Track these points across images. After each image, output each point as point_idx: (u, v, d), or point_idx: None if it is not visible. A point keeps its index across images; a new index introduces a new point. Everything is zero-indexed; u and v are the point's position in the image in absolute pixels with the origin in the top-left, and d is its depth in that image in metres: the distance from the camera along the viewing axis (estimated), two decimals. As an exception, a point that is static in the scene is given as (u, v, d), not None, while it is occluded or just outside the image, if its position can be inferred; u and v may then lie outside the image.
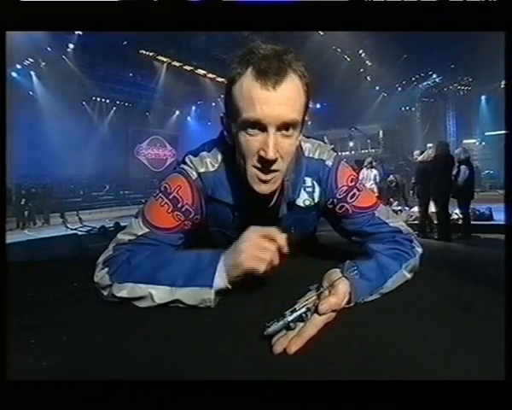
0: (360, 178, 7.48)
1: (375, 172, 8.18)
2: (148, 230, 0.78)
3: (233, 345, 0.55)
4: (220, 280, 0.68)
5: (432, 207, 5.56)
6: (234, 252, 0.69)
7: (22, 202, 10.32)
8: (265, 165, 0.71)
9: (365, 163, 8.32)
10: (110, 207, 14.43)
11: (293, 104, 0.70)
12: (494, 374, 0.45)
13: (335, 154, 0.90)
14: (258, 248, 0.68)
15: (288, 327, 0.55)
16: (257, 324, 0.56)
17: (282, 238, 0.69)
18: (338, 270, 0.67)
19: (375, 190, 7.64)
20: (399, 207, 7.92)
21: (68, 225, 8.08)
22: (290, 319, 0.55)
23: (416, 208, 6.12)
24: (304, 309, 0.57)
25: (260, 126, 0.69)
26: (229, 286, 0.68)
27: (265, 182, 0.74)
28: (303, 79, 0.71)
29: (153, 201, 0.81)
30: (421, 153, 6.23)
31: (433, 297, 0.73)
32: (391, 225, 0.85)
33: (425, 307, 0.67)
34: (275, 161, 0.70)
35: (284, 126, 0.70)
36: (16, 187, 10.65)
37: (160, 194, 0.81)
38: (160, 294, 0.68)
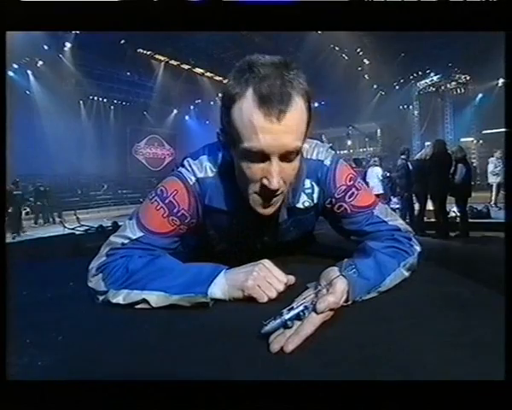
0: (368, 176, 7.58)
1: (376, 169, 8.18)
2: (142, 233, 0.77)
3: (230, 343, 0.54)
4: (217, 291, 0.68)
5: (429, 206, 5.60)
6: (241, 274, 0.70)
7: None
8: (269, 193, 0.71)
9: (371, 162, 8.34)
10: (108, 206, 14.41)
11: (296, 131, 0.68)
12: (494, 374, 0.45)
13: (333, 153, 0.89)
14: (266, 282, 0.69)
15: (285, 325, 0.55)
16: (254, 322, 0.56)
17: (285, 284, 0.71)
18: (336, 268, 0.67)
19: (381, 187, 7.64)
20: (398, 206, 7.93)
21: (66, 225, 8.04)
22: (288, 317, 0.55)
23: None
24: (301, 307, 0.57)
25: (263, 156, 0.68)
26: (227, 299, 0.69)
27: (268, 206, 0.74)
28: (305, 96, 0.69)
29: (148, 204, 0.80)
30: (403, 153, 6.34)
31: (431, 295, 0.72)
32: (390, 223, 0.85)
33: (423, 306, 0.67)
34: (278, 189, 0.70)
35: (287, 155, 0.69)
36: (13, 187, 10.61)
37: (156, 197, 0.80)
38: (155, 299, 0.68)
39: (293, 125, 0.67)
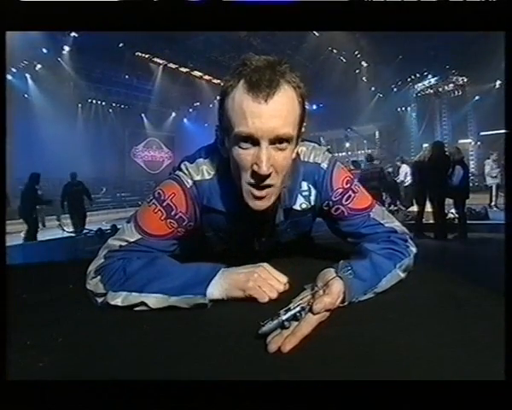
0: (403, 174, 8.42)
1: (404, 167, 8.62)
2: (140, 236, 0.77)
3: (227, 344, 0.55)
4: (215, 291, 0.69)
5: (428, 207, 5.60)
6: (242, 274, 0.71)
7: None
8: (259, 180, 0.70)
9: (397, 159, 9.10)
10: (107, 209, 14.38)
11: (286, 116, 0.68)
12: (494, 374, 0.45)
13: (330, 155, 0.89)
14: (267, 284, 0.70)
15: (282, 326, 0.55)
16: (251, 322, 0.56)
17: (286, 285, 0.72)
18: (332, 269, 0.68)
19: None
20: (396, 208, 7.94)
21: (65, 228, 8.00)
22: (285, 318, 0.56)
23: (414, 208, 6.17)
24: (298, 308, 0.58)
25: (252, 140, 0.68)
26: (225, 298, 0.69)
27: (260, 198, 0.73)
28: (297, 90, 0.70)
29: (146, 207, 0.81)
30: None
31: (429, 296, 0.73)
32: (386, 225, 0.86)
33: (422, 307, 0.68)
34: (268, 175, 0.70)
35: (277, 140, 0.69)
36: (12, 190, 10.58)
37: (154, 200, 0.80)
38: (154, 301, 0.68)
39: (282, 109, 0.67)
